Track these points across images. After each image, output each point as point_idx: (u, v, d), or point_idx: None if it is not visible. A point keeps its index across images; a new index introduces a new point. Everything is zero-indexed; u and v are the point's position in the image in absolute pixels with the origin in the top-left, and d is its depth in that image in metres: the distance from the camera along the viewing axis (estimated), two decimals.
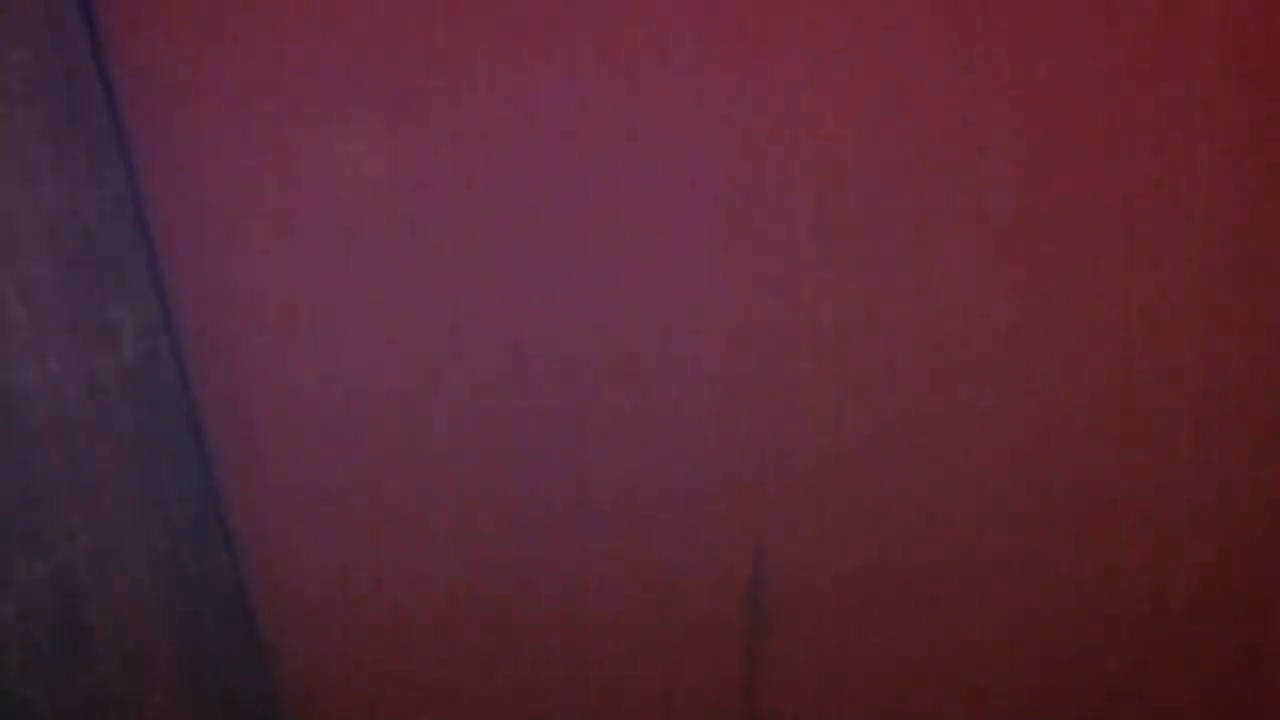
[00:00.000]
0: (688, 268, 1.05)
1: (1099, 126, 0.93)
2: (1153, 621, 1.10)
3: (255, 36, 1.06)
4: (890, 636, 1.15)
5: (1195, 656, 1.11)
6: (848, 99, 0.97)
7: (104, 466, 1.11)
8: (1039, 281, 0.99)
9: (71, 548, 1.09)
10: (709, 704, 1.21)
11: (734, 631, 1.17)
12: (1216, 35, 0.90)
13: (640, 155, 1.02)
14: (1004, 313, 1.00)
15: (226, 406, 1.21)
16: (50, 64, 1.06)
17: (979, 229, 0.98)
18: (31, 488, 1.06)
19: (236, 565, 1.27)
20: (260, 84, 1.07)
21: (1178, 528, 1.06)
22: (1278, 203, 0.94)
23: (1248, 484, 1.04)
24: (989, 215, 0.98)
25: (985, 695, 1.14)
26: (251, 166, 1.10)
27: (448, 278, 1.11)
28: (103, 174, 1.11)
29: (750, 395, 1.08)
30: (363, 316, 1.15)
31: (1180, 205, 0.95)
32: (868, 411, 1.06)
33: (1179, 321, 0.99)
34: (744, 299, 1.05)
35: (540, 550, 1.20)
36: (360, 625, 1.29)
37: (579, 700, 1.27)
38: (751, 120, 0.99)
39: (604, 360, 1.11)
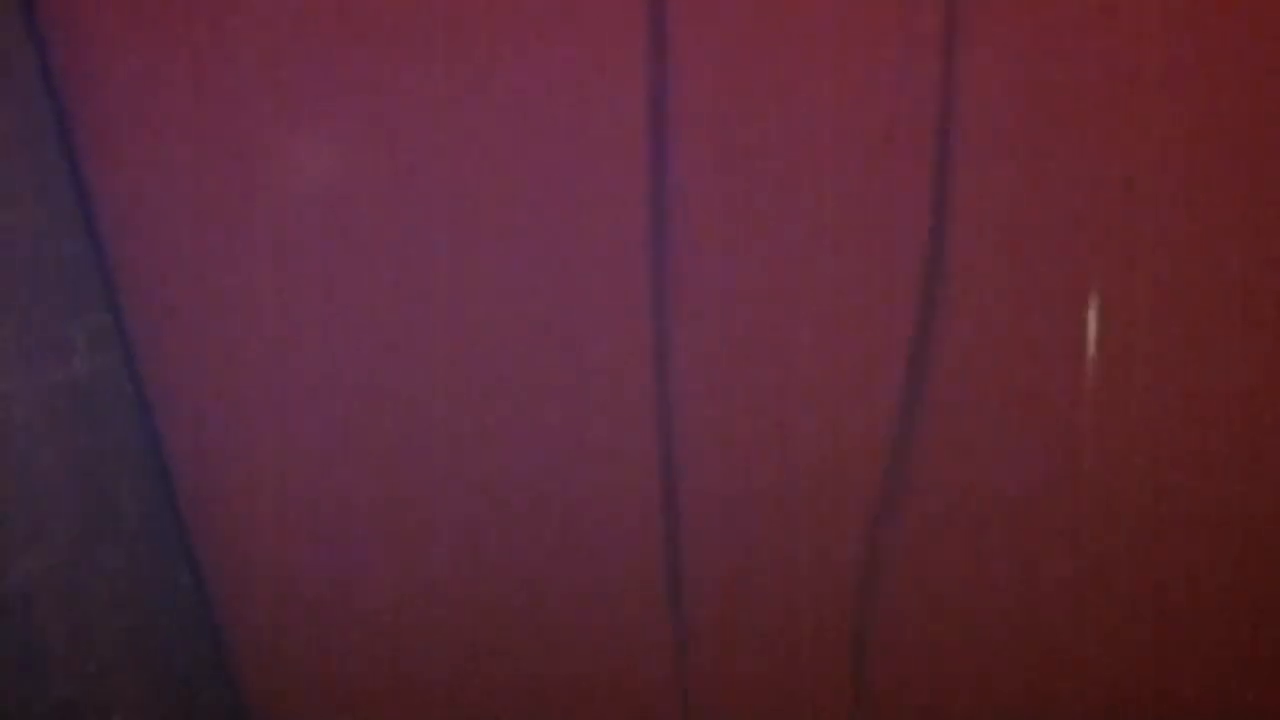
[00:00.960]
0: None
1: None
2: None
3: (204, 51, 1.05)
4: None
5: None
6: (844, 99, 0.98)
7: (57, 484, 1.08)
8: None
9: (25, 568, 1.07)
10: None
11: None
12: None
13: (610, 158, 1.03)
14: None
15: (185, 419, 1.19)
16: None
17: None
18: None
19: (199, 580, 1.25)
20: (211, 97, 1.06)
21: (1176, 526, 1.07)
22: None
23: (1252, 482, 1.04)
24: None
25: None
26: (205, 179, 1.08)
27: (405, 279, 1.10)
28: (52, 190, 1.07)
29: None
30: (319, 323, 1.13)
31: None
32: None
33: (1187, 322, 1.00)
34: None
35: (510, 552, 1.19)
36: (326, 638, 1.27)
37: (551, 707, 1.26)
38: (745, 115, 1.00)
39: (568, 353, 1.11)
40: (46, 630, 1.09)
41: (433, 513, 1.21)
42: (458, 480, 1.19)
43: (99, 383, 1.12)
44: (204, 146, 1.07)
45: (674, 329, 1.04)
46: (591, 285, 1.08)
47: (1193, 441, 1.02)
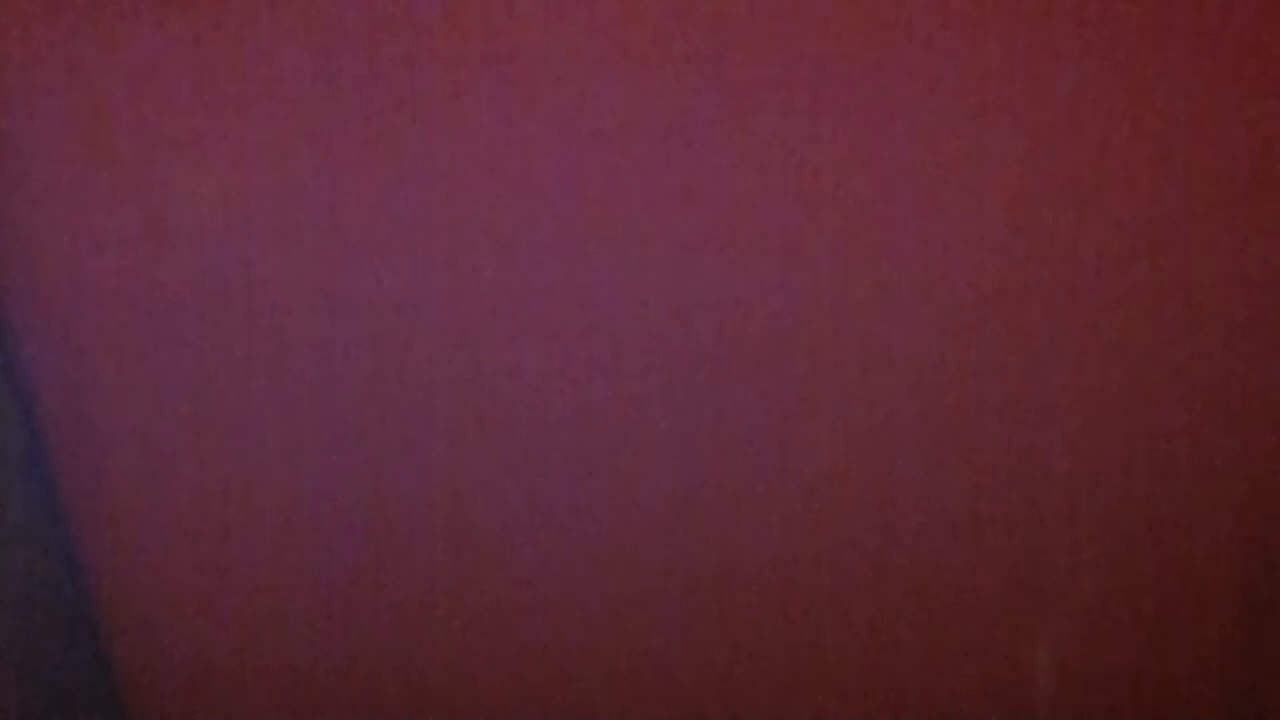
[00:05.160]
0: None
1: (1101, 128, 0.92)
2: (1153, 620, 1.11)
3: (100, 44, 0.92)
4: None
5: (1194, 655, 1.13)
6: (847, 89, 0.93)
7: None
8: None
9: None
10: None
11: None
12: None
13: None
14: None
15: (68, 430, 1.10)
16: None
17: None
18: None
19: (83, 591, 1.16)
20: (105, 93, 0.93)
21: (1175, 526, 1.06)
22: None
23: (1247, 483, 1.04)
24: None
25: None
26: (95, 177, 0.96)
27: (306, 283, 0.99)
28: None
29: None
30: (219, 330, 1.03)
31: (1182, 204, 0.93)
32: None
33: (1179, 319, 0.98)
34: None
35: (404, 558, 1.11)
36: (220, 656, 1.21)
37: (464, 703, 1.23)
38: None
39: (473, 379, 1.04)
40: None
41: (346, 517, 1.15)
42: (370, 486, 1.13)
43: None
44: (98, 147, 0.96)
45: None
46: None
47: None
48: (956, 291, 1.02)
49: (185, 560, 1.17)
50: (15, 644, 1.12)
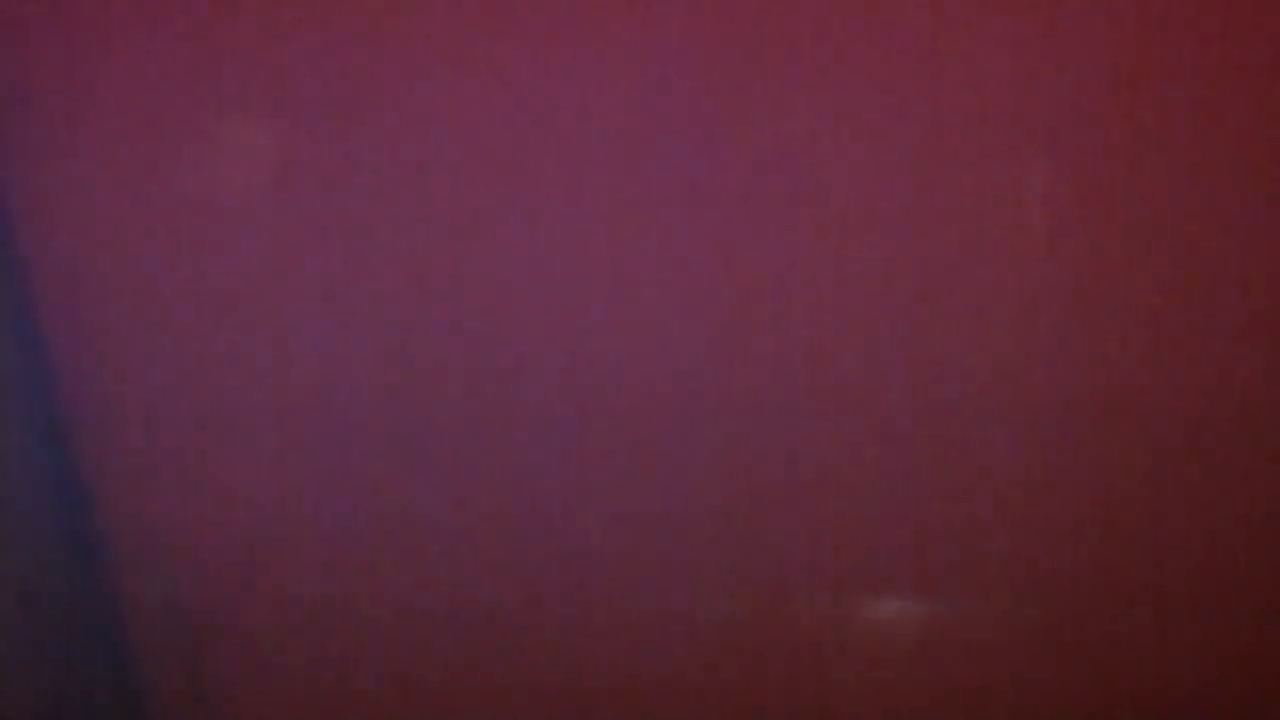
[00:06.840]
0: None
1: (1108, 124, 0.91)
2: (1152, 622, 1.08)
3: (118, 23, 0.95)
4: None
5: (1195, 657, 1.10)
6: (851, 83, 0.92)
7: None
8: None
9: None
10: None
11: None
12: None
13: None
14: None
15: (92, 414, 1.11)
16: None
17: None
18: None
19: (101, 586, 1.17)
20: (122, 75, 0.97)
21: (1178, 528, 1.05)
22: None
23: (1249, 484, 1.02)
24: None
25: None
26: (121, 160, 1.00)
27: (327, 269, 1.02)
28: None
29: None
30: (240, 315, 1.05)
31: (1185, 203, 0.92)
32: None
33: (1182, 319, 0.96)
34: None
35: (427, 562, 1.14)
36: (248, 652, 1.20)
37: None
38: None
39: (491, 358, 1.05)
40: None
41: (370, 512, 1.16)
42: (392, 483, 1.15)
43: None
44: (121, 132, 0.99)
45: None
46: None
47: None
48: (961, 293, 1.02)
49: (205, 551, 1.14)
50: (28, 637, 1.11)
